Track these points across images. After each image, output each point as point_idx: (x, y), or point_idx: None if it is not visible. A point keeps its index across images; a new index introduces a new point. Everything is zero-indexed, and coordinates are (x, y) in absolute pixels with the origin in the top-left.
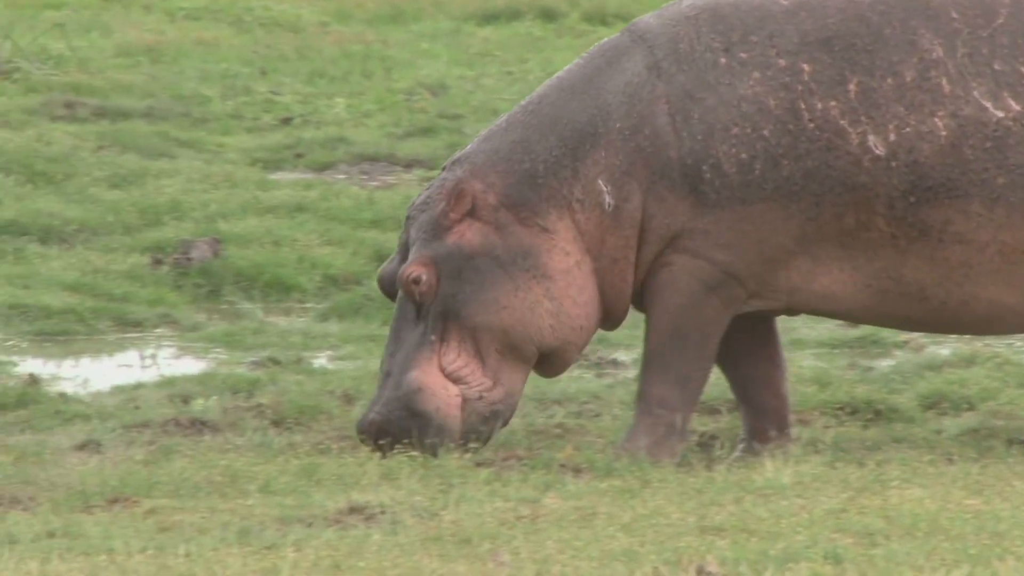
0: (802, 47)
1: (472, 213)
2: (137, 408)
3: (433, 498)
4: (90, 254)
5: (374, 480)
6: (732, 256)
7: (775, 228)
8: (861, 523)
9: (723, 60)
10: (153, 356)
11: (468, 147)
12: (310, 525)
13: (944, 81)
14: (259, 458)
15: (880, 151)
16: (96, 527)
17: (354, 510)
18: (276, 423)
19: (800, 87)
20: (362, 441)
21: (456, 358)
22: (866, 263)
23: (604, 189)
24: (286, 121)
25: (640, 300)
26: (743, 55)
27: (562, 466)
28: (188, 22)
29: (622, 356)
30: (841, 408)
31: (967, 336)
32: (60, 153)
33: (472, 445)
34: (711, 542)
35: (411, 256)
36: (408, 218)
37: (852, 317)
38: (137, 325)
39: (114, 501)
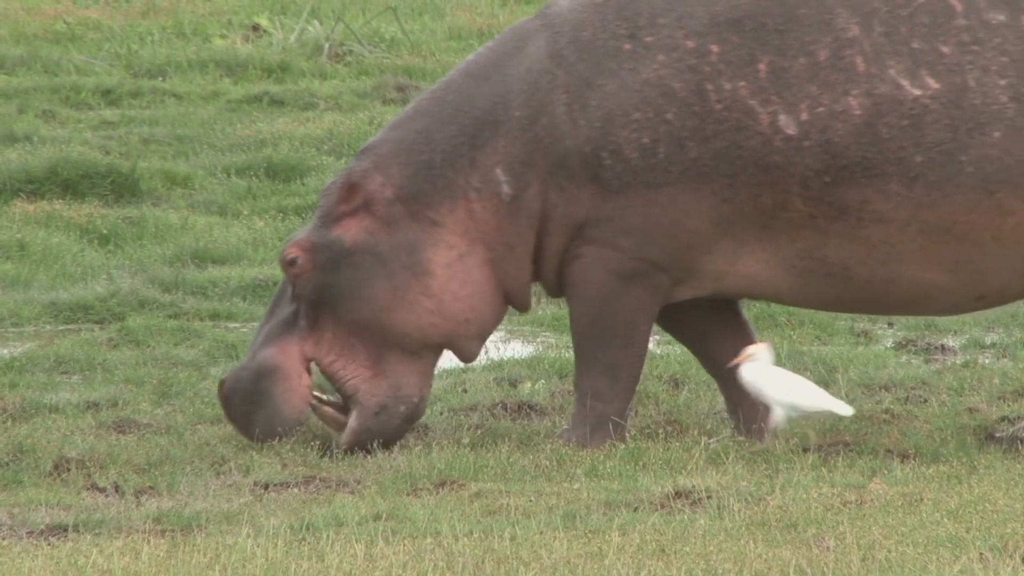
0: (711, 28)
1: (367, 207)
2: (465, 391)
3: (759, 483)
4: None
5: (700, 464)
6: (642, 243)
7: (687, 211)
8: None
9: (627, 46)
10: None
11: (378, 135)
12: (636, 509)
13: (859, 60)
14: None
15: (792, 131)
16: (422, 510)
17: (680, 494)
18: None
19: (708, 68)
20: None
21: (329, 351)
22: (788, 243)
23: (502, 179)
24: None
25: (558, 290)
26: (649, 39)
27: (888, 452)
28: (519, 5)
29: (950, 342)
30: None
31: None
32: None
33: (375, 444)
34: None
35: (298, 237)
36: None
37: (781, 299)
38: None
39: (441, 484)
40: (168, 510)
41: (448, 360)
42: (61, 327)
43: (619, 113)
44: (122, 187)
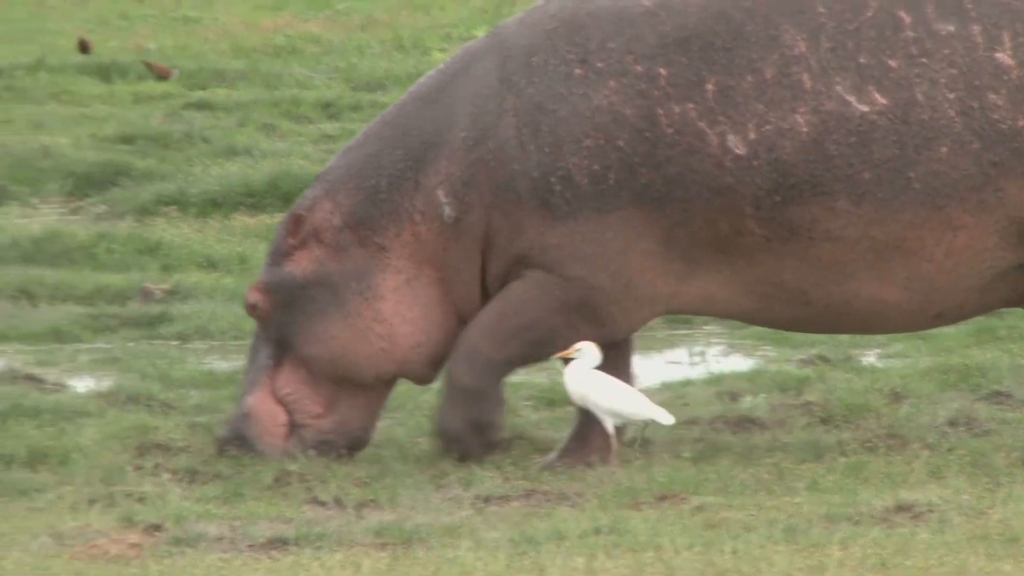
0: (659, 50)
1: (316, 237)
2: (686, 405)
3: (981, 496)
4: None
5: (922, 478)
6: (590, 269)
7: (640, 234)
8: None
9: (578, 71)
10: (702, 353)
11: (332, 160)
12: (857, 523)
13: (805, 76)
14: (807, 456)
15: (741, 150)
16: (643, 524)
17: (901, 508)
18: (824, 421)
19: (657, 93)
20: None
21: (285, 384)
22: (746, 268)
23: (443, 200)
24: None
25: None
26: (600, 64)
27: None
28: None
29: None
30: None
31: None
32: None
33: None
34: None
35: (256, 279)
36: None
37: (739, 319)
38: (686, 322)
39: (662, 498)
40: (389, 523)
41: (668, 374)
42: None
43: (570, 139)
44: None
